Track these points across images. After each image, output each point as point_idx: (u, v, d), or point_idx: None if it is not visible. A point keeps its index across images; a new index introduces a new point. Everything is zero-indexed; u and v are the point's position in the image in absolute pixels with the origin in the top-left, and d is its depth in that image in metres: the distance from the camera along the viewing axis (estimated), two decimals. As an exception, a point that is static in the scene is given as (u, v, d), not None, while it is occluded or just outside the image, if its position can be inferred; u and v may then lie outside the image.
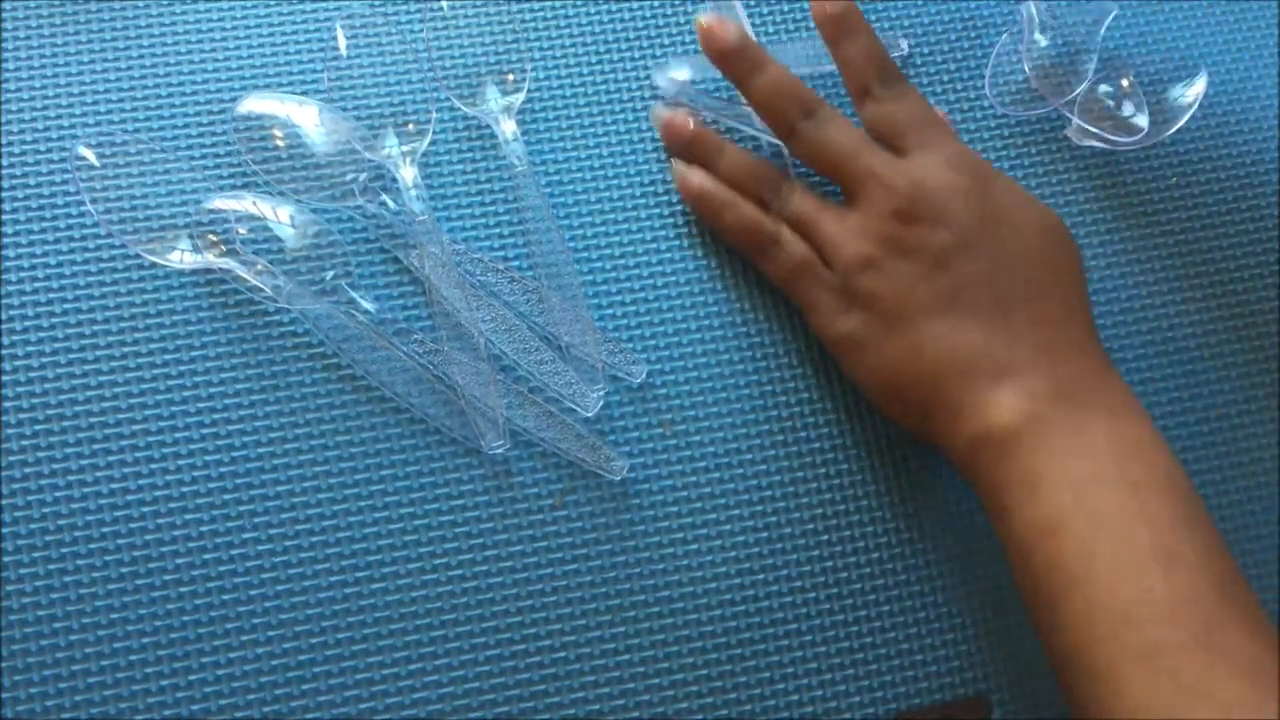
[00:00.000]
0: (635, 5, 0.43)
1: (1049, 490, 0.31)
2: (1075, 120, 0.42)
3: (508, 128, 0.40)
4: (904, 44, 0.43)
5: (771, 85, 0.37)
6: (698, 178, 0.39)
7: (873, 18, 0.44)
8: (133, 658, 0.35)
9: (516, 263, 0.39)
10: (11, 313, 0.37)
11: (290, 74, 0.41)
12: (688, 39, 0.42)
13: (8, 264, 0.38)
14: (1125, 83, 0.42)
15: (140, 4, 0.41)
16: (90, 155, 0.37)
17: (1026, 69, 0.43)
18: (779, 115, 0.38)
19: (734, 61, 0.38)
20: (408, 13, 0.42)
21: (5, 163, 0.39)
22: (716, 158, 0.39)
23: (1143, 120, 0.42)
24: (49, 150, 0.39)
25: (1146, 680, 0.28)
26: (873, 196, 0.36)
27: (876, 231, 0.35)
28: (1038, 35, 0.43)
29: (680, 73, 0.41)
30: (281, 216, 0.38)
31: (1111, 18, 0.43)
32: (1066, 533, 0.31)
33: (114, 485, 0.36)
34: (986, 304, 0.34)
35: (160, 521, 0.36)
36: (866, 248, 0.35)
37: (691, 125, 0.40)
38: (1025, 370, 0.33)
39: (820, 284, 0.37)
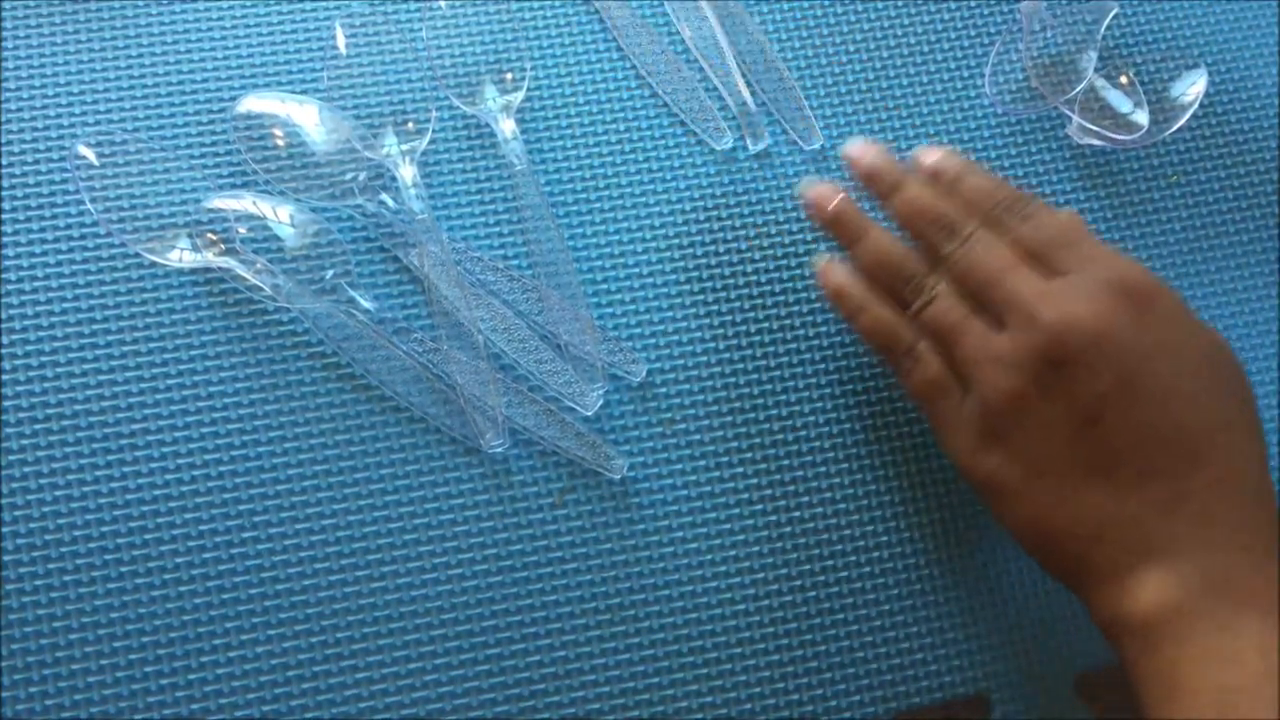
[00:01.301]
0: (634, 4, 0.43)
1: (1189, 699, 0.28)
2: (1075, 119, 0.42)
3: (507, 127, 0.40)
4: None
5: (908, 205, 0.35)
6: (835, 275, 0.36)
7: (873, 17, 0.44)
8: (132, 657, 0.35)
9: (516, 261, 0.39)
10: (11, 311, 0.37)
11: (290, 73, 0.41)
12: (672, 35, 0.42)
13: (7, 263, 0.38)
14: (1125, 80, 0.42)
15: (140, 4, 0.41)
16: (90, 154, 0.37)
17: (1026, 68, 0.43)
18: (921, 237, 0.35)
19: (874, 182, 0.36)
20: (407, 12, 0.42)
21: (5, 161, 0.39)
22: (857, 242, 0.36)
23: (1143, 118, 0.42)
24: (49, 149, 0.39)
25: None
26: (1019, 328, 0.31)
27: (1021, 367, 0.31)
28: (1037, 34, 0.43)
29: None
30: (281, 215, 0.38)
31: (1111, 16, 0.43)
32: None
33: (113, 485, 0.36)
34: (1144, 465, 0.30)
35: (160, 521, 0.36)
36: (1009, 383, 0.31)
37: (834, 204, 0.37)
38: (1177, 550, 0.30)
39: (956, 410, 0.33)
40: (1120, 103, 0.42)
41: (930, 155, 0.36)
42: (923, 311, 0.34)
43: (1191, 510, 0.30)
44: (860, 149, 0.36)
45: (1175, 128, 0.42)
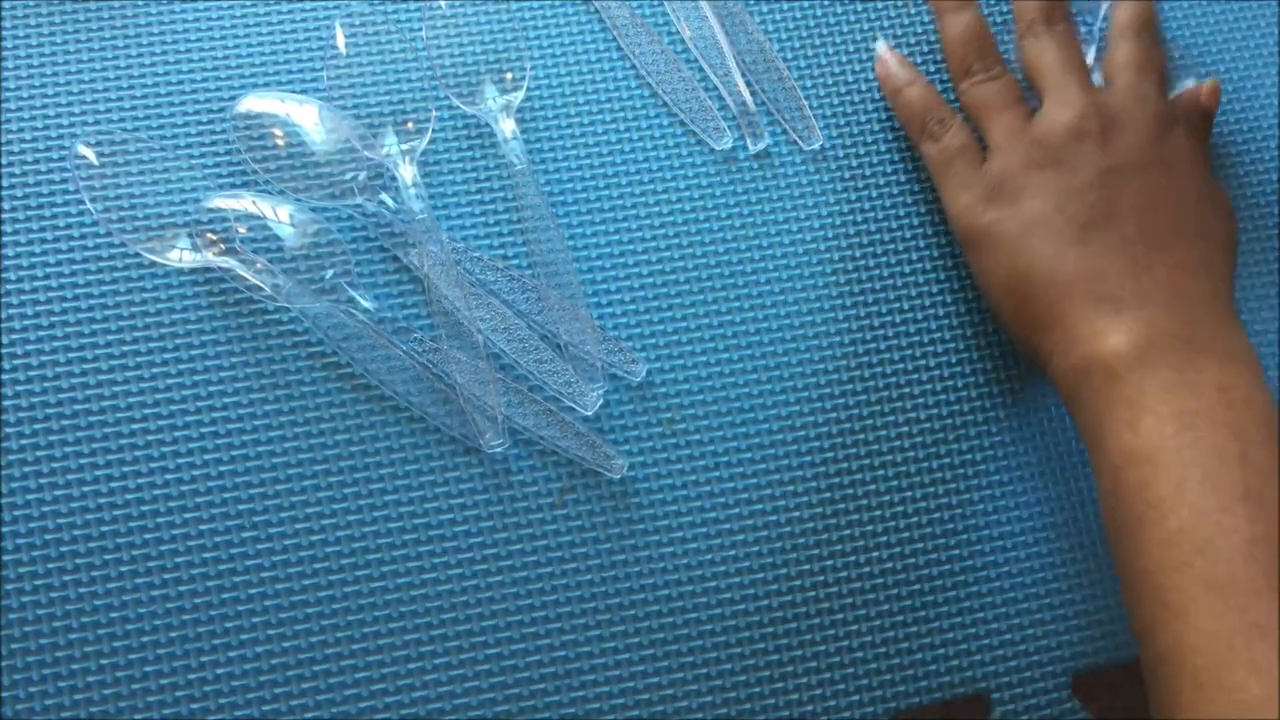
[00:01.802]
0: (634, 4, 0.43)
1: (1150, 420, 0.32)
2: None
3: (507, 126, 0.40)
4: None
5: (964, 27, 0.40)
6: (890, 56, 0.41)
7: (872, 16, 0.44)
8: (132, 657, 0.35)
9: (516, 261, 0.39)
10: (10, 311, 0.37)
11: (290, 72, 0.41)
12: (672, 35, 0.42)
13: (7, 262, 0.38)
14: None
15: (140, 4, 0.41)
16: (89, 153, 0.37)
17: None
18: (960, 60, 0.40)
19: None
20: (407, 11, 0.42)
21: (4, 161, 0.39)
22: (956, 12, 0.41)
23: None
24: (48, 149, 0.39)
25: (1214, 612, 0.29)
26: (1056, 105, 0.37)
27: (1048, 144, 0.36)
28: None
29: None
30: (281, 215, 0.38)
31: (1105, 9, 0.43)
32: (1160, 461, 0.31)
33: (113, 484, 0.36)
34: (1134, 234, 0.34)
35: (160, 520, 0.36)
36: (1032, 156, 0.36)
37: None
38: (1150, 304, 0.33)
39: (973, 173, 0.37)
40: None
41: None
42: (980, 85, 0.39)
43: (1165, 274, 0.34)
44: None
45: None
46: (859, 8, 0.44)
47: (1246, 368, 0.33)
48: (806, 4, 0.44)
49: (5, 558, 0.35)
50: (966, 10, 0.41)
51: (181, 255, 0.37)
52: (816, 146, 0.42)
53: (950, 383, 0.40)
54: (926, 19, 0.44)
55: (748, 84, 0.42)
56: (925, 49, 0.43)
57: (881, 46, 0.42)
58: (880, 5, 0.44)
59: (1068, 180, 0.35)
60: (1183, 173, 0.36)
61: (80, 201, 0.38)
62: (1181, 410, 0.31)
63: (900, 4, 0.44)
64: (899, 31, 0.44)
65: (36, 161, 0.39)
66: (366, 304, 0.38)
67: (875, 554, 0.38)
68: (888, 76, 0.41)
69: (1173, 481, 0.30)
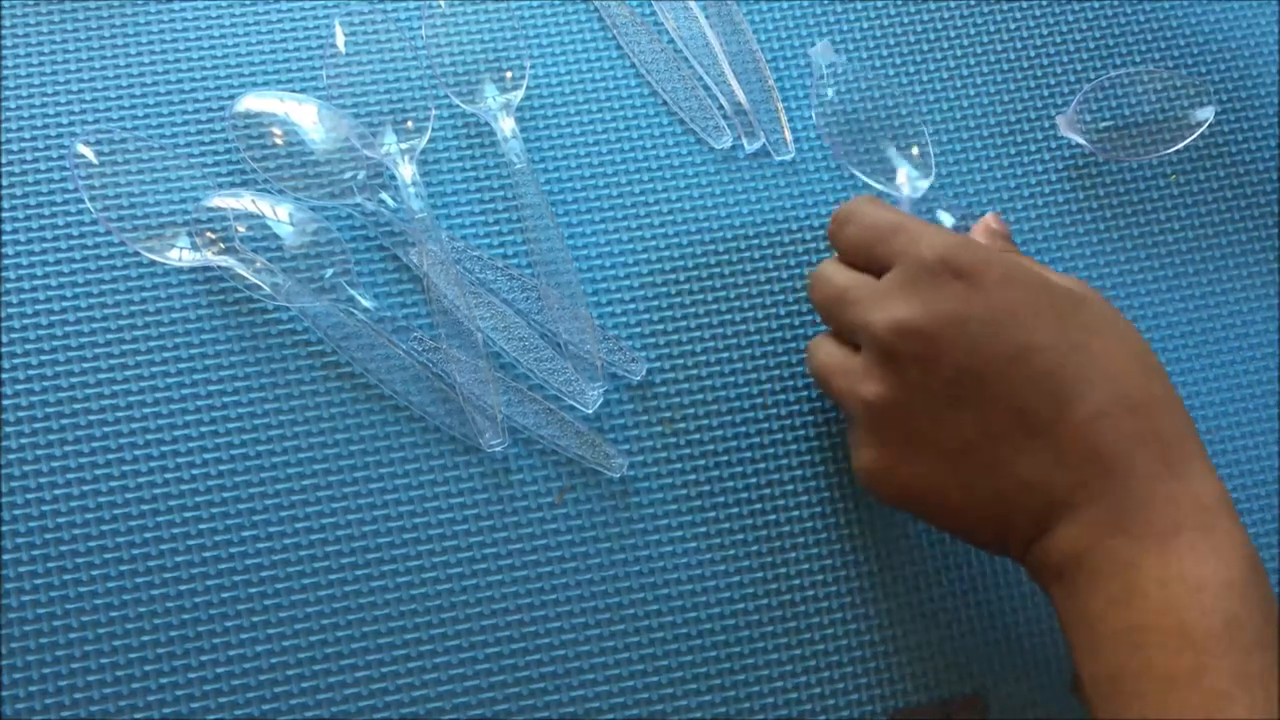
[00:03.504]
0: (634, 3, 0.43)
1: (1108, 644, 0.30)
2: (1070, 112, 0.42)
3: (506, 125, 0.40)
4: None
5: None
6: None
7: (871, 16, 0.44)
8: (132, 656, 0.35)
9: (516, 260, 0.39)
10: (10, 310, 0.37)
11: (289, 71, 0.41)
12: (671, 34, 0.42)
13: (6, 261, 0.38)
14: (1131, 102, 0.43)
15: (140, 3, 0.41)
16: (89, 152, 0.37)
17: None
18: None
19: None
20: (407, 10, 0.42)
21: (4, 160, 0.39)
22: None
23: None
24: (48, 147, 0.39)
25: None
26: (866, 344, 0.33)
27: (878, 377, 0.32)
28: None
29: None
30: (280, 214, 0.38)
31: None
32: (1123, 692, 0.29)
33: (113, 483, 0.36)
34: (1018, 429, 0.31)
35: (159, 519, 0.36)
36: (871, 392, 0.32)
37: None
38: (1076, 499, 0.30)
39: (852, 425, 0.34)
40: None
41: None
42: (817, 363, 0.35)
43: (1079, 453, 0.30)
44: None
45: (1175, 149, 0.42)
46: (857, 7, 0.44)
47: (1186, 541, 0.29)
48: (803, 5, 0.44)
49: (5, 557, 0.35)
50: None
51: (181, 254, 0.37)
52: (789, 158, 0.41)
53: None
54: (926, 17, 0.44)
55: (740, 85, 0.42)
56: (924, 50, 0.43)
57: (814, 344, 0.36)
58: (879, 4, 0.44)
59: (929, 404, 0.31)
60: (1031, 309, 0.31)
61: (80, 200, 0.38)
62: (1131, 626, 0.29)
63: (900, 3, 0.44)
64: (896, 34, 0.44)
65: (36, 160, 0.39)
66: (366, 303, 0.37)
67: (874, 552, 0.38)
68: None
69: (1136, 711, 0.29)
